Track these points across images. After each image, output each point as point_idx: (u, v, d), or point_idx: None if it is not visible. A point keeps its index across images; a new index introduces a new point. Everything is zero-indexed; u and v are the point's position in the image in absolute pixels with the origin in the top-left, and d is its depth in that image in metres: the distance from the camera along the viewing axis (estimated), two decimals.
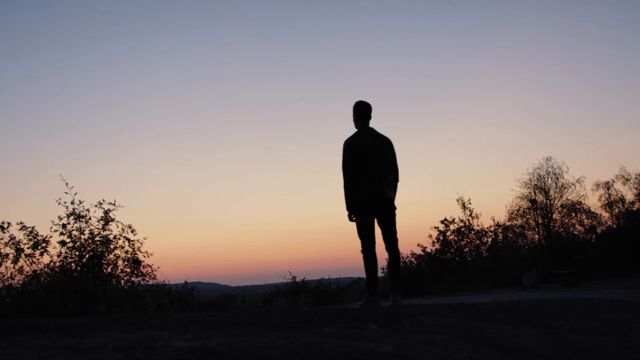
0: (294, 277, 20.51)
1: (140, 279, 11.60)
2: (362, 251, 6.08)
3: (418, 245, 21.03)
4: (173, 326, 2.82)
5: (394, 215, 6.12)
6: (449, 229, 20.89)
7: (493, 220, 22.08)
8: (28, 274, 11.12)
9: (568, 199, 22.73)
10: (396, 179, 6.24)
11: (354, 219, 6.12)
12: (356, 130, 6.18)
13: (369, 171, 5.99)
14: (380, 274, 9.14)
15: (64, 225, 11.39)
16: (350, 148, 6.06)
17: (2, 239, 11.22)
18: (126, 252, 11.60)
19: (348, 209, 6.11)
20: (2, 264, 10.97)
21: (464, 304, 5.90)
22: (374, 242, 6.08)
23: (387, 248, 6.12)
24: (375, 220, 6.03)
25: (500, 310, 5.12)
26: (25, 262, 11.18)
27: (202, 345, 2.00)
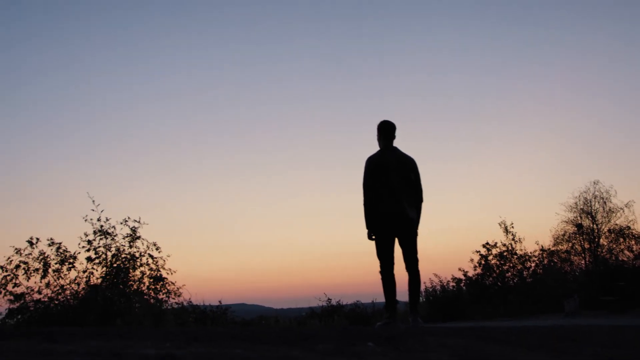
0: (329, 299, 20.23)
1: (164, 296, 11.58)
2: (381, 272, 5.94)
3: (459, 269, 20.51)
4: (159, 338, 2.62)
5: (415, 235, 5.95)
6: (491, 253, 20.29)
7: (537, 244, 21.30)
8: (55, 288, 11.24)
9: (616, 224, 21.83)
10: (420, 199, 6.05)
11: (373, 237, 5.97)
12: (379, 149, 6.07)
13: (391, 190, 5.85)
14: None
15: (89, 242, 11.54)
16: (372, 165, 5.96)
17: (31, 254, 11.39)
18: (150, 269, 11.63)
19: (368, 227, 5.97)
20: (30, 279, 11.15)
21: (485, 327, 5.55)
22: (392, 263, 5.94)
23: (408, 269, 5.93)
24: (396, 240, 5.93)
25: (521, 334, 4.73)
26: (53, 277, 11.31)
27: (169, 353, 1.79)
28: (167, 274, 11.69)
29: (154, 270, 11.60)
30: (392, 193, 5.86)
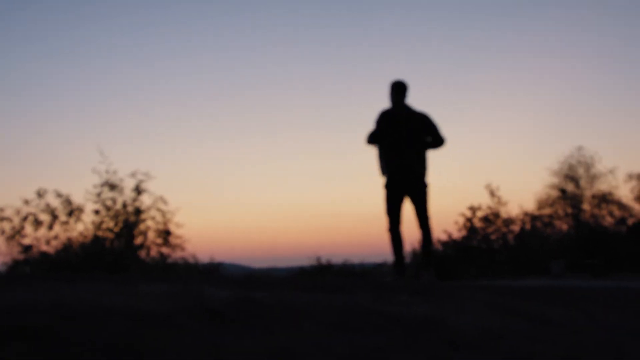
0: (318, 258, 20.56)
1: (170, 250, 11.82)
2: (389, 229, 5.98)
3: (444, 231, 20.95)
4: (214, 284, 2.90)
5: (426, 191, 6.02)
6: (476, 216, 20.75)
7: (521, 208, 21.82)
8: (63, 241, 11.44)
9: (599, 190, 22.39)
10: (440, 145, 6.07)
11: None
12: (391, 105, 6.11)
13: (401, 145, 5.91)
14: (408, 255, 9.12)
15: (98, 194, 11.65)
16: (383, 118, 6.00)
17: (39, 205, 11.52)
18: (157, 222, 11.81)
19: (384, 173, 6.01)
20: (37, 230, 11.33)
21: (494, 284, 5.90)
22: (400, 221, 6.01)
23: (420, 226, 6.01)
24: (407, 198, 5.96)
25: (531, 291, 5.12)
26: (60, 229, 11.50)
27: (247, 296, 2.07)
28: (175, 228, 11.87)
29: (161, 224, 11.78)
30: (402, 149, 5.91)
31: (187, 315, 1.59)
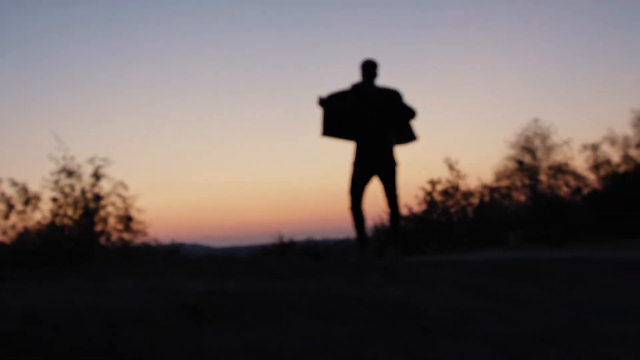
0: (280, 236, 20.54)
1: (132, 235, 11.65)
2: (352, 208, 5.96)
3: (405, 206, 21.18)
4: (183, 274, 2.85)
5: (396, 170, 6.01)
6: (435, 190, 21.02)
7: (480, 180, 22.23)
8: (19, 230, 11.15)
9: (555, 161, 22.93)
10: (412, 117, 6.05)
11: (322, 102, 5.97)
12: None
13: (370, 124, 5.89)
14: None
15: (56, 182, 11.37)
16: (353, 91, 5.91)
17: None
18: (118, 208, 11.63)
19: (325, 133, 6.00)
20: None
21: (459, 261, 6.00)
22: (363, 199, 6.00)
23: (389, 204, 6.00)
24: (375, 177, 5.94)
25: (496, 267, 5.22)
26: (17, 218, 11.20)
27: (222, 290, 2.04)
28: (136, 213, 11.71)
29: (122, 209, 11.59)
30: (370, 128, 5.89)
31: (165, 313, 1.56)
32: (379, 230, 19.94)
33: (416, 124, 6.27)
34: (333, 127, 6.10)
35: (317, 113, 6.16)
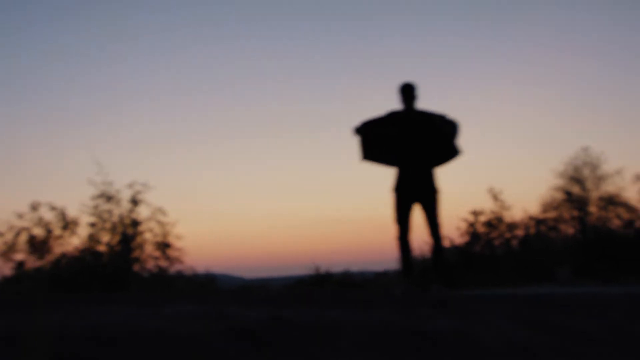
0: (317, 267, 20.34)
1: (168, 262, 11.59)
2: (398, 238, 5.91)
3: (446, 238, 20.85)
4: (236, 302, 2.86)
5: (437, 197, 5.94)
6: (478, 221, 20.65)
7: (526, 212, 21.74)
8: (57, 255, 11.26)
9: (606, 191, 22.27)
10: (455, 130, 5.96)
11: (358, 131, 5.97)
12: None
13: (410, 149, 5.86)
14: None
15: (95, 206, 11.40)
16: (393, 118, 5.90)
17: (32, 219, 11.28)
18: (155, 235, 11.59)
19: (366, 157, 6.00)
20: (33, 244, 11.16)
21: (508, 294, 5.84)
22: (409, 229, 5.93)
23: (431, 234, 5.92)
24: (417, 205, 5.86)
25: (547, 300, 5.06)
26: (55, 243, 11.32)
27: (276, 316, 2.03)
28: (174, 240, 11.64)
29: (160, 236, 11.59)
30: (413, 153, 5.86)
31: (223, 337, 1.56)
32: (423, 261, 19.66)
33: (460, 138, 6.13)
34: (372, 152, 6.09)
35: (355, 141, 6.16)
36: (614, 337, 2.79)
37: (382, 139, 6.01)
